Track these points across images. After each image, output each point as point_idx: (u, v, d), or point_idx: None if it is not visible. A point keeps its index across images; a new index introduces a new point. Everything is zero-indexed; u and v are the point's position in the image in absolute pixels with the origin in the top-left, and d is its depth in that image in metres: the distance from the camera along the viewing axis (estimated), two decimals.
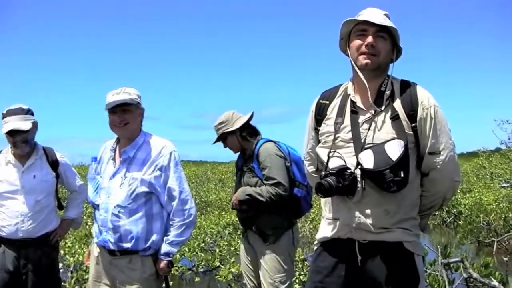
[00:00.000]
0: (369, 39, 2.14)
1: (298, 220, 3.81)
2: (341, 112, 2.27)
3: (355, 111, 2.22)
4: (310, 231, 8.74)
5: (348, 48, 2.26)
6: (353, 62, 2.22)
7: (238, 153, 3.87)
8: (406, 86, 2.22)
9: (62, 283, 5.24)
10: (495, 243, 8.65)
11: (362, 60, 2.16)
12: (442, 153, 2.15)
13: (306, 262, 6.06)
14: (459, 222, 10.42)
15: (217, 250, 7.58)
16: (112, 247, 2.86)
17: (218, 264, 7.06)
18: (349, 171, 2.11)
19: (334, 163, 2.17)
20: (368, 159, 2.06)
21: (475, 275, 5.09)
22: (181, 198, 2.87)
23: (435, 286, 4.83)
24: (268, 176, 3.47)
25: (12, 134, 3.40)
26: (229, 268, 6.15)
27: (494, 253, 8.27)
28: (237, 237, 7.84)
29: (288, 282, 3.57)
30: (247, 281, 3.82)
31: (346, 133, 2.21)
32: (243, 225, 3.83)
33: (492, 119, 10.90)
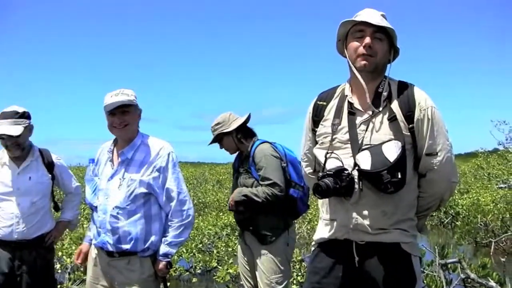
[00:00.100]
0: (367, 40, 2.14)
1: (295, 221, 3.81)
2: (338, 113, 2.27)
3: (352, 112, 2.23)
4: (307, 232, 8.76)
5: (345, 49, 2.26)
6: (351, 64, 2.22)
7: (235, 155, 3.88)
8: (403, 87, 2.22)
9: (60, 285, 5.24)
10: (493, 243, 8.65)
11: (360, 61, 2.16)
12: (439, 154, 2.15)
13: (303, 263, 6.06)
14: (457, 223, 10.43)
15: (215, 251, 7.58)
16: (110, 248, 2.86)
17: (215, 265, 7.06)
18: (346, 172, 2.11)
19: (331, 164, 2.18)
20: (365, 160, 2.07)
21: (472, 275, 5.09)
22: (179, 199, 2.87)
23: (433, 286, 4.83)
24: (263, 176, 3.48)
25: (3, 137, 3.39)
26: (227, 269, 6.15)
27: (491, 253, 8.28)
28: (235, 238, 7.84)
29: (285, 283, 3.58)
30: (244, 282, 3.83)
31: (343, 134, 2.21)
32: (240, 226, 3.84)
33: (490, 119, 10.91)
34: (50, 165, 3.64)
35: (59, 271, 6.04)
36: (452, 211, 11.54)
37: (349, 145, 2.17)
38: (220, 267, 6.63)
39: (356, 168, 2.10)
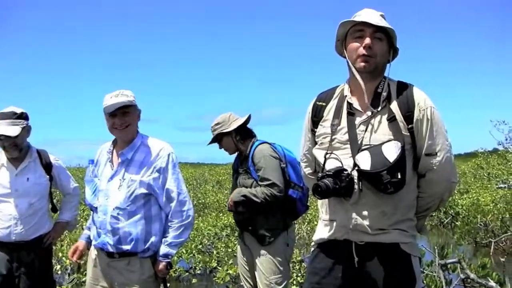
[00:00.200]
0: (367, 40, 2.14)
1: (294, 222, 3.82)
2: (337, 114, 2.27)
3: (351, 113, 2.23)
4: (307, 233, 8.76)
5: (344, 50, 2.26)
6: (350, 64, 2.21)
7: (235, 155, 3.88)
8: (402, 87, 2.22)
9: (59, 286, 5.23)
10: (492, 243, 8.65)
11: (360, 62, 2.16)
12: (438, 154, 2.15)
13: (303, 264, 6.06)
14: (457, 223, 10.43)
15: (215, 252, 7.58)
16: (111, 249, 2.86)
17: (215, 265, 7.06)
18: (346, 172, 2.11)
19: (331, 165, 2.18)
20: (365, 161, 2.07)
21: (472, 276, 5.09)
22: (179, 200, 2.88)
23: (432, 287, 4.83)
24: (262, 177, 3.48)
25: (1, 138, 3.38)
26: (227, 270, 6.15)
27: (491, 253, 8.27)
28: (235, 239, 7.83)
29: (284, 283, 3.58)
30: (244, 282, 3.83)
31: (342, 135, 2.21)
32: (239, 227, 3.84)
33: (489, 119, 10.90)
34: (48, 166, 3.63)
35: (59, 272, 6.04)
36: (452, 211, 11.55)
37: (348, 146, 2.17)
38: (220, 268, 6.63)
39: (356, 168, 2.10)
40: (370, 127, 2.16)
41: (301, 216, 4.04)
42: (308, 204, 3.84)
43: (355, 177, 2.11)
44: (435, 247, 5.51)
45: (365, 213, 2.14)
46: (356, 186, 2.12)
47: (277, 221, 3.55)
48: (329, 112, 2.31)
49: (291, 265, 5.27)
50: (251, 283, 3.75)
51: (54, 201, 3.91)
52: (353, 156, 2.13)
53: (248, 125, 3.81)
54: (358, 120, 2.20)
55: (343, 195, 2.13)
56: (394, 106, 2.17)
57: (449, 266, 5.34)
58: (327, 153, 2.22)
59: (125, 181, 2.85)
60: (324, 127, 2.29)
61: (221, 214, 10.86)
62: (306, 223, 9.25)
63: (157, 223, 2.90)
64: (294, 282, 5.68)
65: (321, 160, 2.24)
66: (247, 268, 3.76)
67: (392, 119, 2.13)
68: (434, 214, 11.16)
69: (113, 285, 2.92)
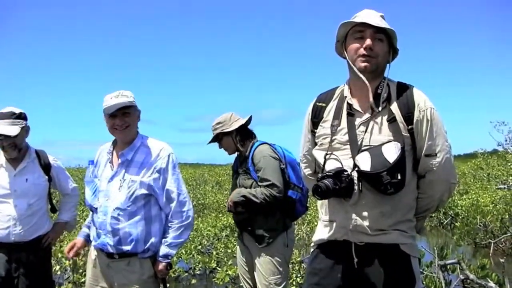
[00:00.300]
0: (368, 41, 2.14)
1: (294, 223, 3.82)
2: (337, 115, 2.27)
3: (351, 114, 2.23)
4: (306, 233, 8.75)
5: (344, 50, 2.26)
6: (351, 64, 2.21)
7: (235, 156, 3.88)
8: (402, 88, 2.22)
9: (58, 287, 5.23)
10: (492, 244, 8.65)
11: (361, 63, 2.16)
12: (438, 155, 2.15)
13: (302, 264, 6.06)
14: (456, 224, 10.43)
15: (214, 253, 7.57)
16: (111, 250, 2.86)
17: (215, 266, 7.06)
18: (346, 173, 2.11)
19: (330, 165, 2.18)
20: (365, 162, 2.07)
21: (471, 276, 5.10)
22: (179, 200, 2.88)
23: (432, 287, 4.83)
24: (262, 177, 3.48)
25: (0, 138, 3.38)
26: (226, 271, 6.16)
27: (490, 254, 8.28)
28: (234, 240, 7.83)
29: (283, 284, 3.58)
30: (243, 283, 3.83)
31: (342, 135, 2.21)
32: (238, 227, 3.84)
33: (489, 120, 10.91)
34: (46, 167, 3.63)
35: (58, 272, 6.03)
36: (452, 212, 11.54)
37: (348, 146, 2.18)
38: (219, 269, 6.63)
39: (356, 169, 2.10)
40: (370, 128, 2.16)
41: (301, 217, 4.04)
42: (308, 205, 3.84)
43: (355, 178, 2.12)
44: (435, 248, 5.52)
45: (365, 213, 2.14)
46: (356, 187, 2.12)
47: (277, 222, 3.55)
48: (329, 113, 2.31)
49: (290, 266, 5.27)
50: (251, 283, 3.75)
51: (54, 201, 3.91)
52: (353, 157, 2.13)
53: (249, 126, 3.81)
54: (358, 121, 2.20)
55: (343, 196, 2.14)
56: (394, 107, 2.17)
57: (448, 267, 5.35)
58: (327, 154, 2.22)
59: (125, 182, 2.85)
60: (324, 128, 2.30)
61: (220, 215, 10.85)
62: (305, 224, 9.24)
63: (157, 223, 2.90)
64: (294, 283, 5.68)
65: (321, 160, 2.24)
66: (247, 269, 3.76)
67: (392, 120, 2.13)
68: (433, 215, 11.16)
69: (113, 285, 2.92)
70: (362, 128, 2.17)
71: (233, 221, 4.10)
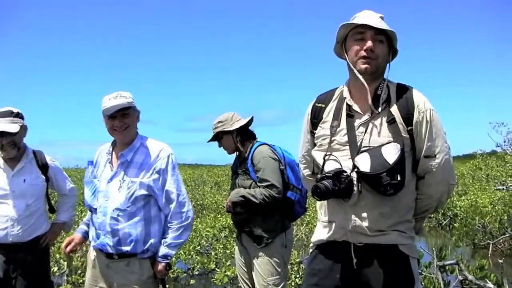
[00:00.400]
0: (369, 43, 2.14)
1: (293, 223, 3.82)
2: (337, 116, 2.27)
3: (351, 115, 2.23)
4: (305, 234, 8.75)
5: (344, 51, 2.26)
6: (352, 66, 2.21)
7: (234, 157, 3.88)
8: (402, 89, 2.22)
9: (58, 287, 5.23)
10: (491, 245, 8.66)
11: (362, 64, 2.16)
12: (437, 156, 2.16)
13: (301, 265, 6.06)
14: (455, 225, 10.43)
15: (213, 253, 7.56)
16: (110, 250, 2.85)
17: (213, 267, 7.05)
18: (345, 174, 2.11)
19: (330, 166, 2.18)
20: (364, 163, 2.07)
21: (470, 277, 5.10)
22: (178, 201, 2.88)
23: None
24: (261, 178, 3.48)
25: (1, 136, 3.38)
26: (225, 271, 6.16)
27: (489, 255, 8.28)
28: (233, 240, 7.82)
29: (282, 285, 3.58)
30: (242, 283, 3.83)
31: (342, 136, 2.22)
32: (237, 228, 3.84)
33: (488, 121, 10.93)
34: (44, 167, 3.63)
35: (57, 274, 6.02)
36: (450, 212, 11.55)
37: (347, 147, 2.18)
38: (218, 269, 6.63)
39: (355, 170, 2.11)
40: (369, 129, 2.16)
41: (299, 218, 4.04)
42: (306, 206, 3.84)
43: (354, 179, 2.12)
44: (434, 249, 5.52)
45: (364, 214, 2.14)
46: (355, 188, 2.12)
47: (275, 223, 3.55)
48: (328, 114, 2.31)
49: (289, 266, 5.27)
50: (249, 284, 3.74)
51: (52, 202, 3.91)
52: (352, 158, 2.13)
53: (250, 127, 3.81)
54: (357, 122, 2.20)
55: (342, 197, 2.14)
56: (394, 108, 2.17)
57: (447, 267, 5.36)
58: (326, 155, 2.22)
59: (125, 183, 2.84)
60: (324, 129, 2.30)
61: (219, 216, 10.84)
62: (304, 225, 9.24)
63: (156, 224, 2.90)
64: (293, 284, 5.68)
65: (320, 161, 2.24)
66: (245, 269, 3.76)
67: (391, 121, 2.13)
68: (432, 215, 11.16)
69: (112, 286, 2.92)
70: (362, 129, 2.18)
71: (232, 222, 4.09)
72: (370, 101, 2.17)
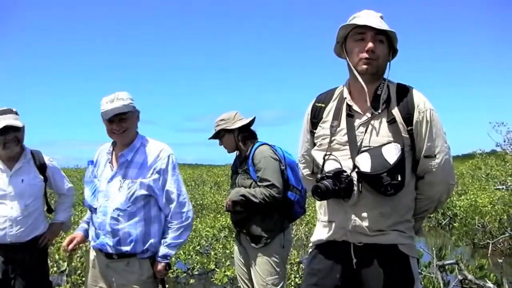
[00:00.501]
0: (370, 45, 2.13)
1: (293, 223, 3.82)
2: (337, 115, 2.27)
3: (351, 115, 2.23)
4: (305, 234, 8.74)
5: (344, 52, 2.26)
6: (352, 66, 2.21)
7: (234, 157, 3.89)
8: (402, 89, 2.22)
9: (58, 287, 5.22)
10: (490, 245, 8.66)
11: (362, 65, 2.16)
12: (437, 156, 2.16)
13: (301, 265, 6.06)
14: (454, 224, 10.43)
15: (213, 253, 7.56)
16: (110, 250, 2.85)
17: (213, 267, 7.05)
18: (345, 174, 2.11)
19: (330, 166, 2.18)
20: (365, 163, 2.07)
21: (470, 277, 5.11)
22: (179, 201, 2.88)
23: None
24: (262, 177, 3.48)
25: (4, 132, 3.38)
26: (225, 271, 6.15)
27: (489, 255, 8.29)
28: (233, 240, 7.81)
29: (281, 284, 3.59)
30: (241, 283, 3.83)
31: (342, 136, 2.21)
32: (236, 227, 3.84)
33: (488, 121, 10.92)
34: (42, 167, 3.64)
35: (56, 273, 6.02)
36: (450, 212, 11.54)
37: (347, 147, 2.18)
38: (217, 269, 6.62)
39: (356, 170, 2.10)
40: (369, 129, 2.16)
41: (297, 219, 4.04)
42: (306, 206, 3.83)
43: (355, 179, 2.11)
44: (433, 249, 5.53)
45: (364, 214, 2.14)
46: (355, 188, 2.12)
47: (274, 223, 3.55)
48: (328, 114, 2.31)
49: (288, 266, 5.26)
50: (248, 284, 3.74)
51: (52, 202, 3.91)
52: (352, 158, 2.13)
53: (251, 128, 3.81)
54: (357, 122, 2.20)
55: (342, 197, 2.13)
56: (394, 108, 2.17)
57: (447, 267, 5.36)
58: (326, 155, 2.22)
59: (125, 183, 2.84)
60: (323, 129, 2.29)
61: (219, 215, 10.82)
62: (304, 225, 9.23)
63: (156, 224, 2.89)
64: (292, 284, 5.67)
65: (320, 161, 2.24)
66: (244, 269, 3.76)
67: (392, 121, 2.13)
68: (432, 215, 11.16)
69: (112, 286, 2.92)
70: (362, 129, 2.17)
71: (231, 221, 4.09)
72: (369, 104, 2.17)
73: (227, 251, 7.50)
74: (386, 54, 2.19)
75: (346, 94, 2.28)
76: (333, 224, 2.24)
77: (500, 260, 5.54)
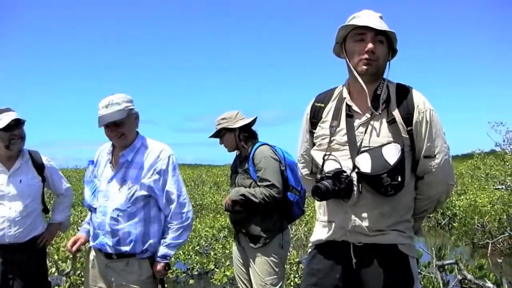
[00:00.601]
0: (370, 45, 2.13)
1: (292, 224, 3.82)
2: (336, 115, 2.27)
3: (350, 115, 2.23)
4: (304, 234, 8.74)
5: (343, 52, 2.25)
6: (351, 67, 2.20)
7: (234, 156, 3.89)
8: (401, 89, 2.22)
9: (57, 287, 5.22)
10: (490, 245, 8.67)
11: (362, 66, 2.16)
12: (437, 156, 2.16)
13: (300, 265, 6.06)
14: (454, 224, 10.44)
15: (212, 253, 7.56)
16: (109, 250, 2.85)
17: (212, 267, 7.05)
18: (345, 174, 2.11)
19: (329, 166, 2.17)
20: (365, 163, 2.07)
21: (469, 276, 5.11)
22: (179, 202, 2.88)
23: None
24: (262, 177, 3.48)
25: (10, 128, 3.38)
26: (224, 272, 6.15)
27: (488, 255, 8.30)
28: (232, 241, 7.80)
29: (280, 284, 3.59)
30: (240, 283, 3.83)
31: (341, 136, 2.21)
32: (234, 227, 3.84)
33: (487, 121, 10.92)
34: (40, 167, 3.63)
35: (55, 274, 6.01)
36: (449, 212, 11.55)
37: (347, 147, 2.17)
38: (217, 270, 6.62)
39: (356, 170, 2.10)
40: (369, 129, 2.16)
41: (296, 219, 4.04)
42: (305, 206, 3.83)
43: (354, 179, 2.11)
44: (433, 248, 5.53)
45: (364, 214, 2.14)
46: (355, 188, 2.12)
47: (273, 223, 3.56)
48: (328, 114, 2.31)
49: (288, 266, 5.26)
50: (247, 284, 3.74)
51: (51, 203, 3.90)
52: (352, 158, 2.13)
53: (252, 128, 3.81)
54: (357, 122, 2.20)
55: (342, 197, 2.13)
56: (394, 108, 2.17)
57: (446, 267, 5.37)
58: (325, 155, 2.22)
59: (125, 183, 2.84)
60: (323, 129, 2.29)
61: (218, 216, 10.82)
62: (303, 225, 9.23)
63: (156, 224, 2.89)
64: (292, 284, 5.67)
65: (320, 161, 2.24)
66: (243, 269, 3.76)
67: (391, 122, 2.13)
68: (431, 215, 11.16)
69: (111, 286, 2.91)
70: (361, 129, 2.17)
71: (230, 221, 4.09)
72: (369, 104, 2.17)
73: (227, 251, 7.50)
74: (385, 54, 2.18)
75: (345, 94, 2.28)
76: (333, 224, 2.24)
77: (499, 260, 5.54)
